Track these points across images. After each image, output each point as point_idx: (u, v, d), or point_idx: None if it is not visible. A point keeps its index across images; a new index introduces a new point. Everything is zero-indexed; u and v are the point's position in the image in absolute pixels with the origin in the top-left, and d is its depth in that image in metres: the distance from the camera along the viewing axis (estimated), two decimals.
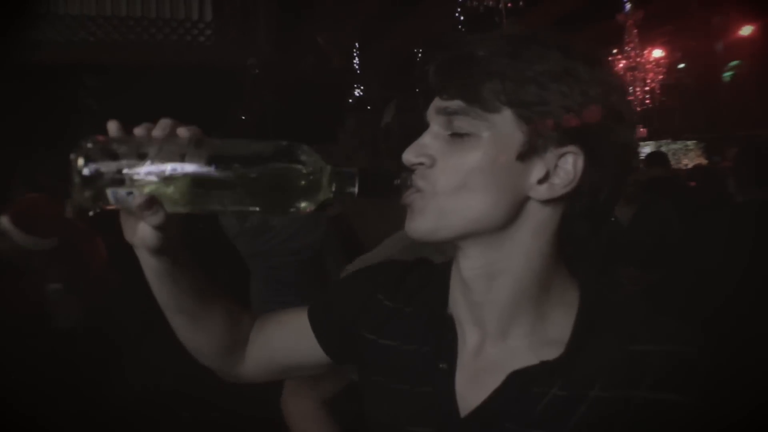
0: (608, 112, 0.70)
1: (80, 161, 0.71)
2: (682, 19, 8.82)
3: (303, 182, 0.71)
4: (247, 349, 0.95)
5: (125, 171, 0.70)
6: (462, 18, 5.76)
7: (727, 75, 9.67)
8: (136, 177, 0.70)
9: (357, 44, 6.86)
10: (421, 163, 0.73)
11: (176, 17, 4.69)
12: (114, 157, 0.71)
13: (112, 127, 0.73)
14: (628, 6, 8.55)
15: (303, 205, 0.73)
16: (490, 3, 3.26)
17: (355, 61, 7.01)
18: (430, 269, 0.89)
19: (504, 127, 0.70)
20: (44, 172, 3.35)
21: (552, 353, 0.72)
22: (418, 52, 7.24)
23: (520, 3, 3.24)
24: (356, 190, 0.73)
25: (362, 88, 8.07)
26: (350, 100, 8.17)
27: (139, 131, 0.73)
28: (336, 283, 1.04)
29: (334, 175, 0.73)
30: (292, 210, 0.74)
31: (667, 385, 0.67)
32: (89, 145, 0.71)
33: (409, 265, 0.91)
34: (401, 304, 0.86)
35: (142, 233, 0.74)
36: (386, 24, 6.20)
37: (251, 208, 0.74)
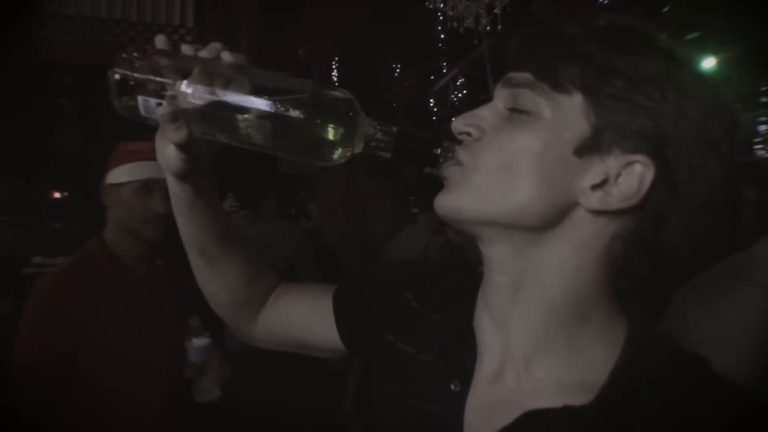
0: (701, 136, 0.60)
1: (120, 66, 0.71)
2: None
3: (338, 125, 0.66)
4: (264, 310, 0.92)
5: (162, 81, 0.70)
6: (442, 36, 5.84)
7: None
8: (172, 91, 0.70)
9: (337, 58, 6.90)
10: (468, 134, 0.65)
11: (157, 21, 4.64)
12: (155, 69, 0.70)
13: (160, 40, 0.73)
14: None
15: (336, 152, 0.67)
16: (470, 25, 3.33)
17: (334, 74, 7.04)
18: (471, 278, 0.78)
19: (569, 113, 0.61)
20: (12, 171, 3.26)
21: (580, 398, 0.61)
22: (397, 68, 7.30)
23: (498, 27, 3.36)
24: (393, 148, 0.67)
25: None
26: None
27: (186, 49, 0.72)
28: (371, 268, 0.96)
29: (373, 126, 0.68)
30: (321, 151, 0.68)
31: None
32: (135, 54, 0.71)
33: (449, 269, 0.83)
34: (429, 309, 0.78)
35: (168, 153, 0.73)
36: (366, 40, 6.25)
37: (278, 144, 0.69)
